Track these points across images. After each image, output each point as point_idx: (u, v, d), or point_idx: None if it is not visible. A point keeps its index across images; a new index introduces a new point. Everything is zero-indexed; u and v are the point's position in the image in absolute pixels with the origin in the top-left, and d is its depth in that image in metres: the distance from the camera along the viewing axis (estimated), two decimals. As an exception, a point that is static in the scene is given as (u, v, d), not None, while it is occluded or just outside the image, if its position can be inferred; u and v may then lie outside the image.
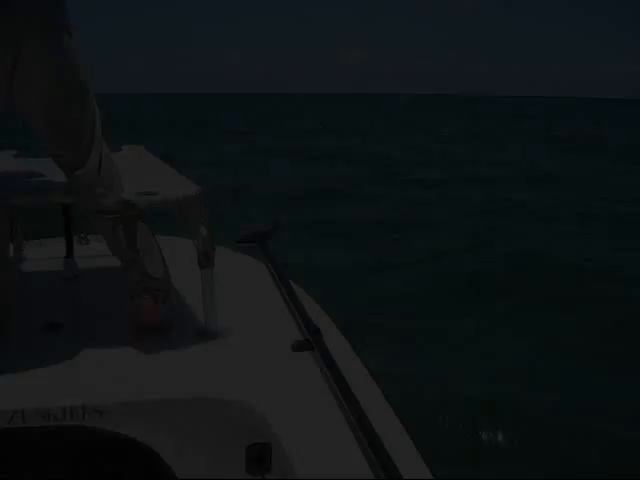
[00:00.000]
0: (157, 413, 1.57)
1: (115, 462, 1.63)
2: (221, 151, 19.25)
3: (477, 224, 8.81)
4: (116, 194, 1.90)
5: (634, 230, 9.01)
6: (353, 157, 17.39)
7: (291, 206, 10.42)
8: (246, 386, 1.63)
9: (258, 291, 2.33)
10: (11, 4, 1.60)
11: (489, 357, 4.69)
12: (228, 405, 1.58)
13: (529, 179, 14.43)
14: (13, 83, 1.68)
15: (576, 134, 27.20)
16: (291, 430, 1.45)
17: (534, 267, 6.83)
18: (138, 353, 1.84)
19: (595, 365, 4.63)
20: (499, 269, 6.68)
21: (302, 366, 1.73)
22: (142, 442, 1.57)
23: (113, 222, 1.91)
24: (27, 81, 1.70)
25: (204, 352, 1.86)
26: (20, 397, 1.57)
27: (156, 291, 1.94)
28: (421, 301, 5.74)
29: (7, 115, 1.75)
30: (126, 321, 2.01)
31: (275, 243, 2.56)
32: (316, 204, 10.35)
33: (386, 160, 16.71)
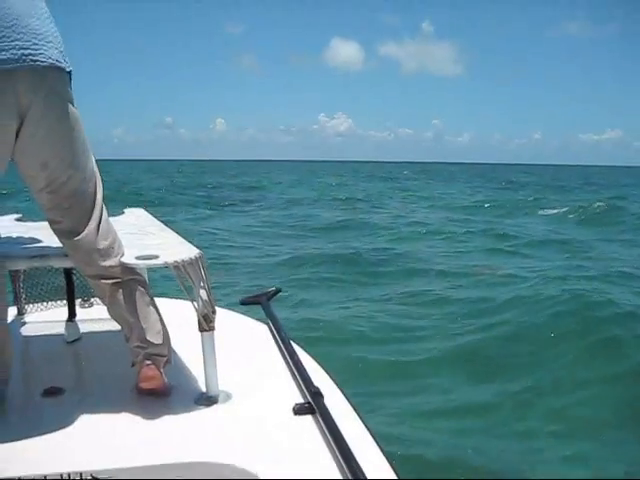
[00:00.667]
0: (157, 478, 1.55)
1: None
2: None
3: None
4: (116, 258, 1.92)
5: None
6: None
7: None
8: (246, 451, 1.62)
9: (259, 353, 2.33)
10: (19, 77, 1.69)
11: (504, 424, 4.68)
12: (228, 469, 1.56)
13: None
14: (15, 149, 1.76)
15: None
16: None
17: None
18: (138, 418, 1.83)
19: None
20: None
21: (303, 430, 1.72)
22: None
23: (112, 287, 1.93)
24: (29, 149, 1.78)
25: (204, 417, 1.85)
26: (17, 464, 1.56)
27: (157, 357, 1.95)
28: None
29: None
30: (127, 386, 2.01)
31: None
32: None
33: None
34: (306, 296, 8.40)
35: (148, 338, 1.93)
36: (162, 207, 21.40)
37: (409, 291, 8.78)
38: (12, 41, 1.70)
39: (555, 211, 22.75)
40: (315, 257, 11.10)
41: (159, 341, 1.96)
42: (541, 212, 22.82)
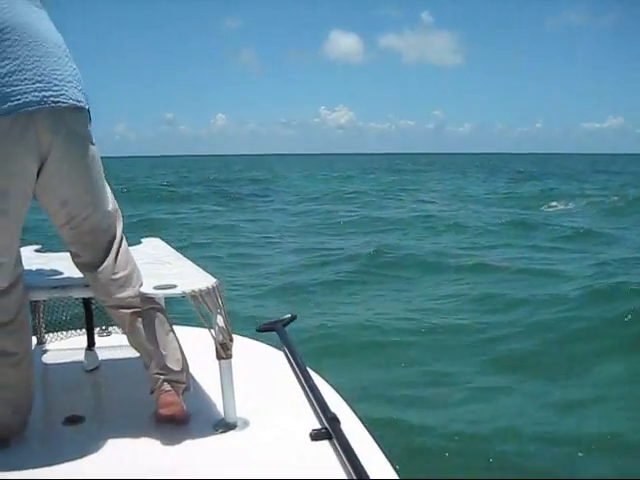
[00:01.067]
0: None
1: None
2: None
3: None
4: (134, 288, 2.00)
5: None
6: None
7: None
8: (265, 477, 1.66)
9: (276, 379, 2.37)
10: (40, 119, 1.77)
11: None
12: None
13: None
14: (36, 187, 1.84)
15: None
16: None
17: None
18: (158, 444, 1.89)
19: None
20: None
21: (320, 456, 1.76)
22: None
23: (132, 316, 2.01)
24: (49, 187, 1.86)
25: (223, 443, 1.89)
26: None
27: (176, 383, 2.01)
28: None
29: None
30: (146, 412, 2.06)
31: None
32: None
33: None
34: (339, 295, 8.55)
35: (168, 365, 1.99)
36: (180, 203, 21.80)
37: (451, 291, 8.68)
38: (34, 83, 1.78)
39: (576, 202, 22.66)
40: (357, 256, 10.94)
41: (178, 368, 2.02)
42: (561, 204, 22.61)
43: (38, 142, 1.79)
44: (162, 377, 1.99)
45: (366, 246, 12.02)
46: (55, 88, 1.81)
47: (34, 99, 1.76)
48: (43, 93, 1.78)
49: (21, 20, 1.81)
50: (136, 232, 2.78)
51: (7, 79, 1.74)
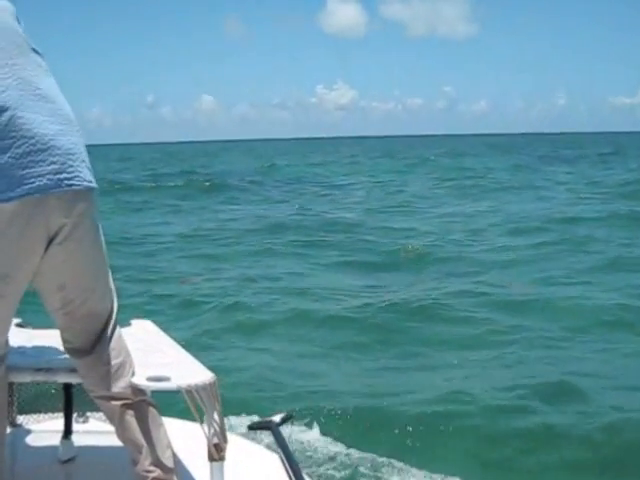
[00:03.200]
0: None
1: None
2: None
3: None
4: (126, 378, 2.04)
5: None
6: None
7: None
8: None
9: None
10: (53, 202, 1.83)
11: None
12: None
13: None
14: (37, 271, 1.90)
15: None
16: None
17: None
18: None
19: None
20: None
21: None
22: None
23: (122, 408, 2.04)
24: (49, 270, 1.92)
25: None
26: None
27: None
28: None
29: None
30: None
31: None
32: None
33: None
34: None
35: (158, 463, 2.02)
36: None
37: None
38: (48, 165, 1.83)
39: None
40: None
41: (169, 466, 2.05)
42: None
43: (47, 225, 1.85)
44: (151, 475, 2.02)
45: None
46: (70, 170, 1.86)
47: (49, 182, 1.81)
48: (58, 176, 1.83)
49: (34, 93, 1.86)
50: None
51: (22, 160, 1.79)
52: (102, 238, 2.03)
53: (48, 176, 1.81)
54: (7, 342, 2.01)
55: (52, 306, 2.01)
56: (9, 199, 1.76)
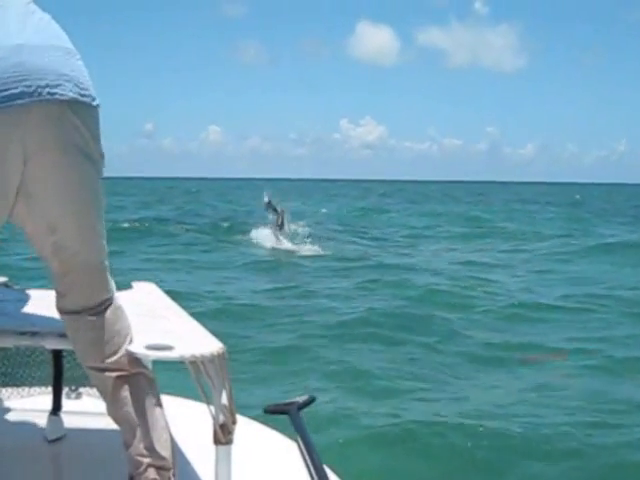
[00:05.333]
0: None
1: None
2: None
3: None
4: (123, 346, 1.98)
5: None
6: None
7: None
8: None
9: (283, 476, 2.38)
10: (31, 116, 1.77)
11: None
12: None
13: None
14: (17, 207, 1.84)
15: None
16: None
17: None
18: None
19: None
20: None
21: None
22: None
23: (116, 381, 1.98)
24: (34, 207, 1.86)
25: None
26: None
27: (162, 470, 1.97)
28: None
29: None
30: None
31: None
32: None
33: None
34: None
35: (154, 447, 1.97)
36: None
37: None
38: (27, 73, 1.76)
39: None
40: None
41: (165, 451, 1.99)
42: None
43: (23, 147, 1.78)
44: (146, 461, 1.96)
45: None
46: (54, 80, 1.80)
47: (26, 90, 1.75)
48: (38, 82, 1.76)
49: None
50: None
51: None
52: (99, 176, 1.96)
53: (25, 83, 1.76)
54: None
55: (43, 252, 1.96)
56: None
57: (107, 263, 2.03)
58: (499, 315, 12.70)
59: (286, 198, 27.70)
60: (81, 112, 1.86)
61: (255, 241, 24.13)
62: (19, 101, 1.74)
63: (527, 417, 7.30)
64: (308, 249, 22.30)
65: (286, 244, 23.22)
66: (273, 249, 22.92)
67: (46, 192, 1.86)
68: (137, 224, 28.02)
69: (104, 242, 2.01)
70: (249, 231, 25.49)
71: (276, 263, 20.22)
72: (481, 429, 6.78)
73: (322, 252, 21.89)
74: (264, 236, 24.22)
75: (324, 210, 39.49)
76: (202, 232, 25.22)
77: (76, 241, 1.93)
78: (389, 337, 10.49)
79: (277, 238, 23.62)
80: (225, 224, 25.40)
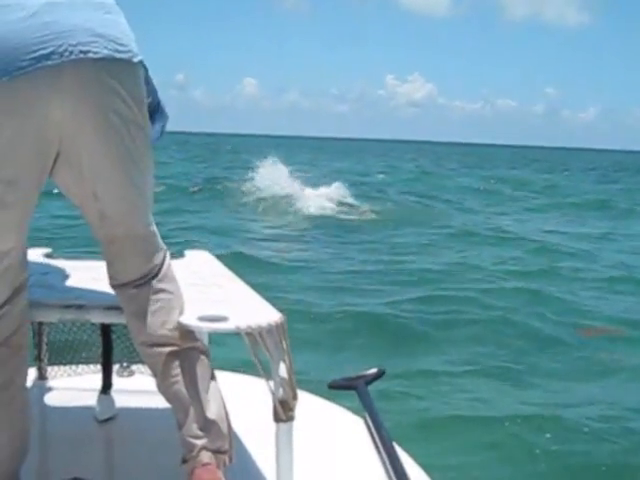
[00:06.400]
0: None
1: None
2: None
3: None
4: (174, 319, 1.96)
5: None
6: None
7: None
8: None
9: (350, 455, 2.36)
10: (64, 77, 1.76)
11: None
12: None
13: None
14: (55, 174, 1.86)
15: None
16: None
17: None
18: None
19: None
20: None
21: None
22: None
23: (168, 357, 1.96)
24: (74, 175, 1.88)
25: None
26: None
27: (217, 454, 1.95)
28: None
29: None
30: None
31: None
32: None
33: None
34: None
35: (208, 428, 1.95)
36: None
37: None
38: (58, 32, 1.74)
39: None
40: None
41: (221, 433, 1.96)
42: None
43: (57, 111, 1.77)
44: (199, 443, 1.94)
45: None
46: (83, 35, 1.77)
47: (56, 50, 1.73)
48: (68, 41, 1.74)
49: None
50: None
51: (15, 26, 1.72)
52: (147, 131, 1.95)
53: (55, 42, 1.73)
54: (24, 266, 1.95)
55: (91, 220, 1.97)
56: None
57: (154, 232, 2.02)
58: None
59: (334, 158, 26.72)
60: (119, 72, 1.83)
61: (324, 202, 23.49)
62: (49, 62, 1.72)
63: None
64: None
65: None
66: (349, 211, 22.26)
67: (87, 160, 1.85)
68: (195, 187, 26.82)
69: (150, 212, 2.00)
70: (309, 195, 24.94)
71: (353, 223, 19.79)
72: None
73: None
74: (333, 198, 23.77)
75: (381, 175, 38.42)
76: (256, 194, 24.53)
77: (119, 211, 1.93)
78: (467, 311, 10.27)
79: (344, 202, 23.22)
80: (279, 187, 24.83)
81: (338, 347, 8.17)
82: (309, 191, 23.23)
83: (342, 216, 20.51)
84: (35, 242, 2.48)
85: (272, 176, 23.71)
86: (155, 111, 2.07)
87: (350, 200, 23.05)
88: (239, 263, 11.80)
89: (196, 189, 25.10)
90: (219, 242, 14.78)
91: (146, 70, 1.94)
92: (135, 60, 1.86)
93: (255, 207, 21.54)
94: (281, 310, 1.99)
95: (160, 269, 2.01)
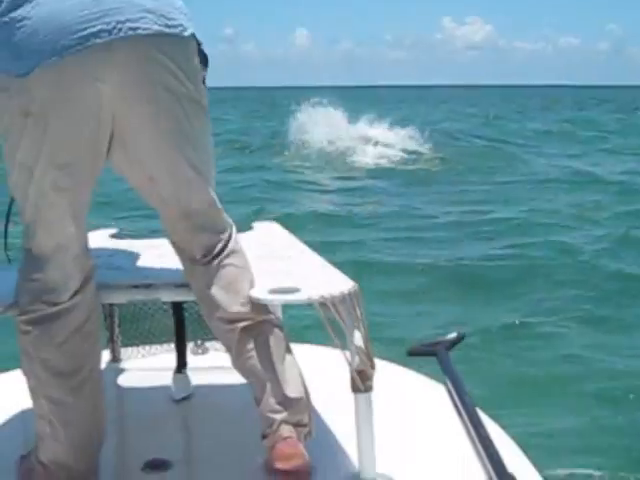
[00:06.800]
0: None
1: None
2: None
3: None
4: (245, 293, 1.97)
5: None
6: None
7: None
8: None
9: (432, 424, 2.35)
10: (114, 55, 1.77)
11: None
12: None
13: None
14: (112, 157, 1.88)
15: None
16: None
17: None
18: None
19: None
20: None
21: None
22: None
23: (242, 332, 1.97)
24: (129, 159, 1.91)
25: None
26: None
27: (298, 427, 1.96)
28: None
29: None
30: (253, 461, 2.06)
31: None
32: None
33: None
34: None
35: (287, 402, 1.96)
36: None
37: None
38: (106, 9, 1.75)
39: None
40: None
41: (300, 406, 1.97)
42: None
43: (109, 90, 1.78)
44: (279, 417, 1.95)
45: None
46: (132, 11, 1.77)
47: (104, 27, 1.73)
48: (117, 18, 1.75)
49: None
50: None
51: (62, 5, 1.73)
52: (205, 110, 1.96)
53: (103, 19, 1.74)
54: (89, 252, 1.98)
55: (149, 201, 2.01)
56: (44, 62, 1.73)
57: (218, 209, 2.04)
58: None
59: (394, 107, 26.25)
60: (170, 48, 1.84)
61: (389, 152, 22.47)
62: (98, 40, 1.72)
63: None
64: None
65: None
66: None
67: (141, 141, 1.87)
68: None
69: (211, 189, 2.01)
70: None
71: (422, 172, 19.37)
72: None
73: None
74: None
75: (446, 123, 37.22)
76: (317, 146, 24.05)
77: (176, 192, 1.95)
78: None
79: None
80: (340, 139, 24.46)
81: (416, 301, 8.11)
82: (372, 141, 22.91)
83: (409, 166, 20.25)
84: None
85: (332, 128, 23.30)
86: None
87: (417, 148, 22.65)
88: (306, 220, 11.85)
89: (254, 147, 24.79)
90: (283, 198, 14.68)
91: (199, 43, 1.94)
92: (186, 34, 1.86)
93: (318, 160, 21.21)
94: (353, 278, 1.99)
95: (227, 244, 2.02)
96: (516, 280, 8.84)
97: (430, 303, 7.96)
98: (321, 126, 23.09)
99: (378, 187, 16.83)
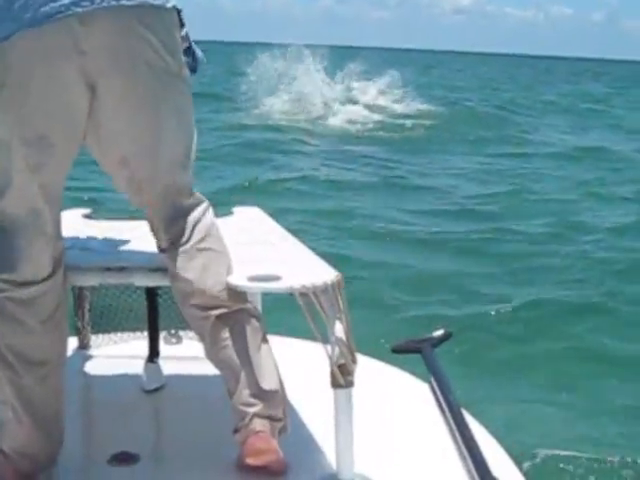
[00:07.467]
0: None
1: None
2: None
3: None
4: (222, 279, 1.97)
5: None
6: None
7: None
8: None
9: (415, 423, 2.35)
10: (95, 26, 1.78)
11: None
12: None
13: None
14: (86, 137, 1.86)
15: None
16: None
17: None
18: None
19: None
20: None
21: None
22: None
23: (217, 320, 1.97)
24: (101, 138, 1.91)
25: None
26: None
27: (271, 421, 1.96)
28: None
29: None
30: (225, 457, 2.07)
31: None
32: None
33: None
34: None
35: (261, 395, 1.95)
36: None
37: None
38: None
39: None
40: None
41: (275, 399, 1.97)
42: None
43: (85, 66, 1.78)
44: (252, 410, 1.95)
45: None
46: None
47: None
48: None
49: None
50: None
51: None
52: (187, 89, 1.97)
53: None
54: (61, 234, 1.97)
55: (120, 187, 2.00)
56: (16, 30, 1.73)
57: (193, 190, 2.04)
58: None
59: (375, 68, 26.17)
60: (152, 19, 1.84)
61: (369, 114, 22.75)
62: (79, 9, 1.73)
63: None
64: None
65: None
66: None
67: (117, 117, 1.86)
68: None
69: (189, 168, 2.01)
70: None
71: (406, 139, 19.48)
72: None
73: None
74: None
75: (440, 90, 36.77)
76: (300, 105, 23.74)
77: (152, 173, 1.95)
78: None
79: None
80: (323, 97, 24.23)
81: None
82: (359, 102, 23.37)
83: (392, 133, 20.07)
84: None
85: (315, 85, 23.16)
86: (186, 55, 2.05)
87: (409, 112, 22.86)
88: (292, 183, 11.84)
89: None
90: (262, 161, 14.54)
91: (179, 13, 1.93)
92: (168, 5, 1.85)
93: (300, 120, 21.13)
94: (336, 267, 1.98)
95: (203, 227, 2.02)
96: (524, 256, 9.11)
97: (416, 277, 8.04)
98: (303, 83, 23.02)
99: (365, 152, 16.89)
